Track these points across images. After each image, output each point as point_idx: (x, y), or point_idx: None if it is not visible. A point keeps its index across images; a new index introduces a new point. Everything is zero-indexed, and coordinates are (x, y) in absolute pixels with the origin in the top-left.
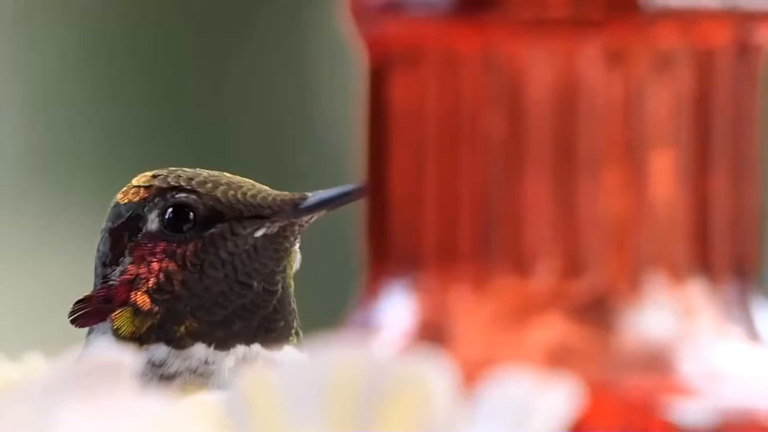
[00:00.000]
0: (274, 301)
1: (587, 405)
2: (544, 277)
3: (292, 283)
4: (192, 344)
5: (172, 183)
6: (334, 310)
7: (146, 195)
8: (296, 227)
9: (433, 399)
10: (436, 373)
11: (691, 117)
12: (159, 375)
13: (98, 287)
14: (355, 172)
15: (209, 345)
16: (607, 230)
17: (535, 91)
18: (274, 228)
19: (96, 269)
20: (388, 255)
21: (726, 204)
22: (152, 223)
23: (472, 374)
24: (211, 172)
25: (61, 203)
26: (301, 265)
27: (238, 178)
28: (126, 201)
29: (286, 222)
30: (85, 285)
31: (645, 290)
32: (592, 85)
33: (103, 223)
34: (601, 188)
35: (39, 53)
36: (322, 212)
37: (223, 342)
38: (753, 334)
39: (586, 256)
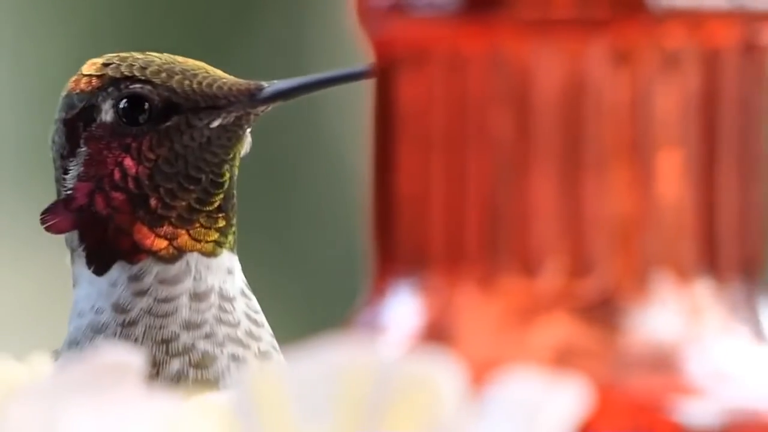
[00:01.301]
0: (221, 196)
1: (594, 405)
2: (550, 277)
3: (236, 171)
4: (139, 253)
5: (125, 72)
6: (341, 309)
7: (99, 84)
8: (251, 116)
9: (441, 399)
10: (443, 373)
11: (698, 116)
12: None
13: (62, 193)
14: (355, 169)
15: (156, 259)
16: (614, 230)
17: (542, 91)
18: (230, 118)
19: (55, 162)
20: (394, 255)
21: (733, 204)
22: (106, 113)
23: (479, 374)
24: (164, 58)
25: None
26: (307, 263)
27: (192, 62)
28: (78, 91)
29: (242, 112)
30: None
31: (652, 290)
32: (599, 85)
33: (56, 114)
34: (607, 188)
35: (39, 53)
36: (278, 102)
37: (170, 256)
38: (759, 334)
39: (592, 256)
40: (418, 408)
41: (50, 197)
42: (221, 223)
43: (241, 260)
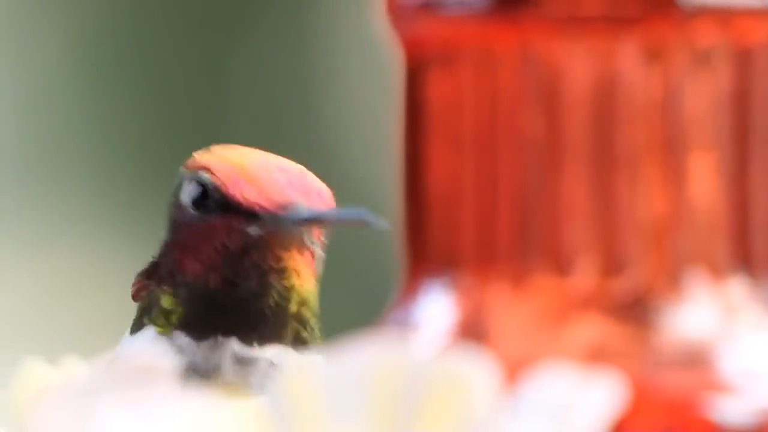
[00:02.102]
0: (263, 303)
1: (627, 403)
2: (583, 276)
3: (304, 289)
4: (172, 331)
5: (207, 159)
6: (374, 309)
7: (192, 164)
8: (289, 233)
9: (474, 397)
10: (477, 371)
11: (730, 114)
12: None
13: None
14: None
15: (188, 334)
16: (647, 229)
17: (573, 89)
18: (264, 230)
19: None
20: (426, 254)
21: (765, 201)
22: (184, 194)
23: (512, 373)
24: (250, 158)
25: (60, 203)
26: (340, 264)
27: (288, 165)
28: (182, 168)
29: (274, 228)
30: (84, 285)
31: (685, 288)
32: (630, 83)
33: None
34: (640, 187)
35: (39, 53)
36: (311, 226)
37: (202, 333)
38: None
39: (625, 255)
40: (451, 406)
41: (50, 198)
42: (269, 327)
43: None
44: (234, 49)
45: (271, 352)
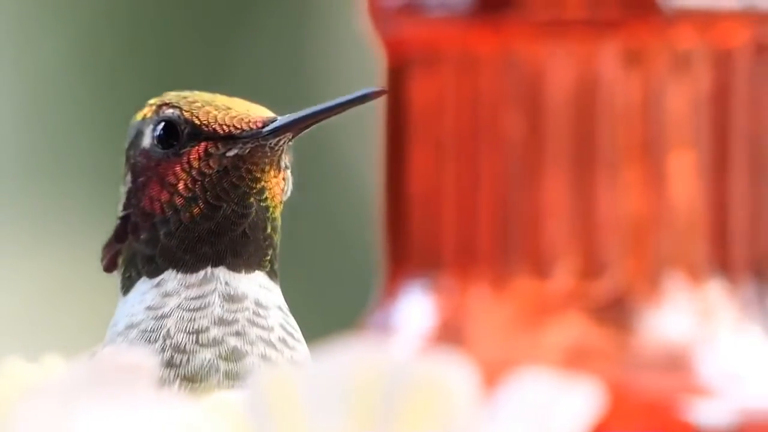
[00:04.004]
0: (245, 225)
1: (606, 405)
2: (562, 278)
3: (276, 212)
4: (162, 271)
5: (167, 99)
6: (353, 311)
7: (147, 112)
8: (267, 148)
9: (453, 399)
10: (456, 374)
11: (710, 117)
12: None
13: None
14: (366, 170)
15: (178, 270)
16: (626, 231)
17: (554, 91)
18: (245, 149)
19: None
20: (406, 256)
21: (744, 204)
22: (146, 138)
23: (491, 374)
24: (219, 100)
25: (59, 203)
26: (320, 265)
27: (237, 101)
28: (134, 120)
29: (255, 144)
30: (83, 285)
31: (664, 291)
32: (611, 86)
33: None
34: (619, 189)
35: (39, 53)
36: (291, 132)
37: (191, 266)
38: None
39: (604, 256)
40: (430, 408)
41: (50, 200)
42: (249, 248)
43: None
44: (232, 49)
45: (256, 283)
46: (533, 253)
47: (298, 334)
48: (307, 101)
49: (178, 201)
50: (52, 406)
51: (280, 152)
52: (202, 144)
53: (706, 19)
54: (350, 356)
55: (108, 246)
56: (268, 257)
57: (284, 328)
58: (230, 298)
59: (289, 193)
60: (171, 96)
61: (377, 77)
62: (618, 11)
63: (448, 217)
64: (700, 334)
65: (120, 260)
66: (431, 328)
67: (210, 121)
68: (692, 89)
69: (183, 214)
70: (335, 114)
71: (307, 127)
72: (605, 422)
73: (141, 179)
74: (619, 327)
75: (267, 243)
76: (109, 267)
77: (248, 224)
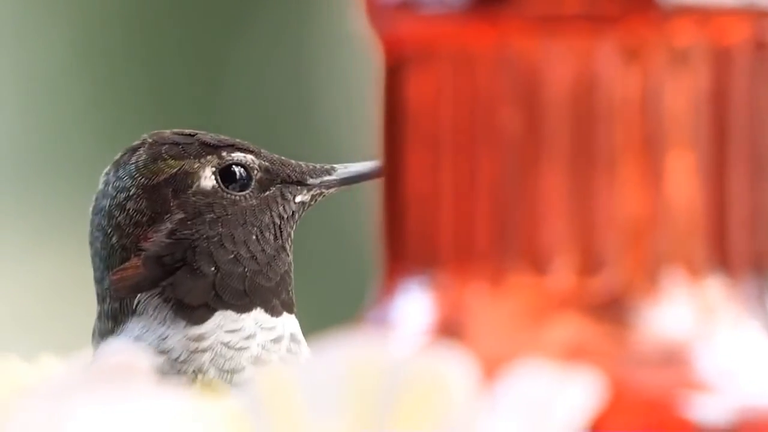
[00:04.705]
0: (287, 267)
1: (605, 401)
2: (561, 275)
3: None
4: (250, 310)
5: (226, 142)
6: (351, 307)
7: (189, 151)
8: (321, 197)
9: (451, 395)
10: (454, 370)
11: (709, 114)
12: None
13: (113, 260)
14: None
15: (266, 311)
16: (625, 228)
17: (551, 88)
18: (308, 196)
19: (112, 230)
20: (404, 252)
21: (743, 200)
22: (206, 179)
23: (489, 371)
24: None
25: (59, 204)
26: (318, 262)
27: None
28: (167, 159)
29: (318, 191)
30: (83, 285)
31: (662, 287)
32: (609, 82)
33: (115, 184)
34: (618, 186)
35: (38, 54)
36: (347, 185)
37: (275, 309)
38: None
39: (603, 253)
40: (428, 404)
41: (49, 201)
42: (290, 285)
43: None
44: (232, 48)
45: (289, 324)
46: (531, 250)
47: None
48: (306, 101)
49: (263, 244)
50: (47, 405)
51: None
52: (278, 188)
53: (705, 15)
54: (349, 352)
55: (132, 274)
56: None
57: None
58: (273, 341)
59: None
60: (210, 136)
61: (374, 76)
62: (616, 7)
63: (445, 213)
64: (699, 330)
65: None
66: (429, 325)
67: (282, 164)
68: (691, 86)
69: (266, 254)
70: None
71: (367, 180)
72: (603, 419)
73: (209, 216)
74: (618, 324)
75: (291, 282)
76: (129, 293)
77: (290, 269)
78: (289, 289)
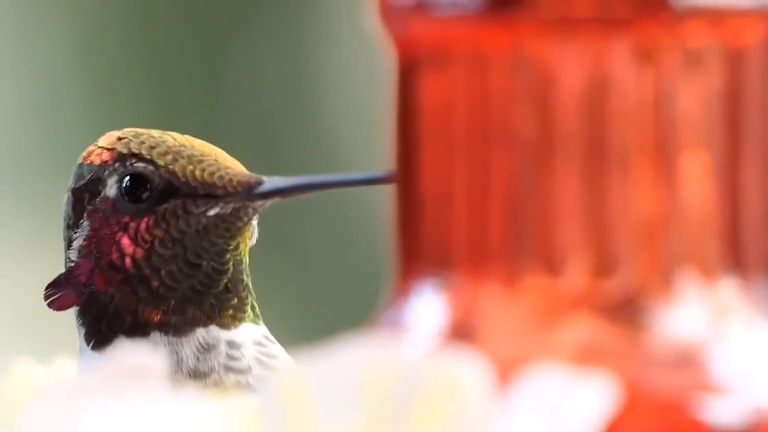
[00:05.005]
0: (225, 280)
1: (619, 403)
2: (574, 276)
3: (246, 259)
4: (149, 333)
5: (133, 150)
6: (365, 309)
7: (107, 158)
8: (250, 209)
9: (465, 398)
10: (468, 372)
11: (722, 115)
12: None
13: (66, 265)
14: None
15: (166, 333)
16: (638, 229)
17: (565, 89)
18: (227, 209)
19: (63, 231)
20: (418, 254)
21: (757, 201)
22: (110, 188)
23: (503, 373)
24: (179, 140)
25: (58, 204)
26: (331, 265)
27: (206, 148)
28: (89, 162)
29: (239, 204)
30: None
31: (676, 289)
32: (622, 84)
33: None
34: (631, 187)
35: (37, 54)
36: (276, 199)
37: (180, 328)
38: None
39: (616, 254)
40: (442, 407)
41: (49, 201)
42: (234, 301)
43: (264, 265)
44: (232, 48)
45: (247, 333)
46: (545, 252)
47: (279, 362)
48: (306, 101)
49: (155, 259)
50: (62, 407)
51: (258, 211)
52: (180, 201)
53: (718, 16)
54: (362, 355)
55: (56, 286)
56: (250, 304)
57: (261, 363)
58: (205, 349)
59: (254, 241)
60: (134, 143)
61: (378, 76)
62: (629, 9)
63: (459, 215)
64: (713, 332)
65: (79, 306)
66: (443, 327)
67: (188, 177)
68: (704, 87)
69: (162, 272)
70: (329, 188)
71: (296, 194)
72: (618, 420)
73: (106, 231)
74: (632, 325)
75: (246, 293)
76: (61, 308)
77: (228, 279)
78: (204, 299)
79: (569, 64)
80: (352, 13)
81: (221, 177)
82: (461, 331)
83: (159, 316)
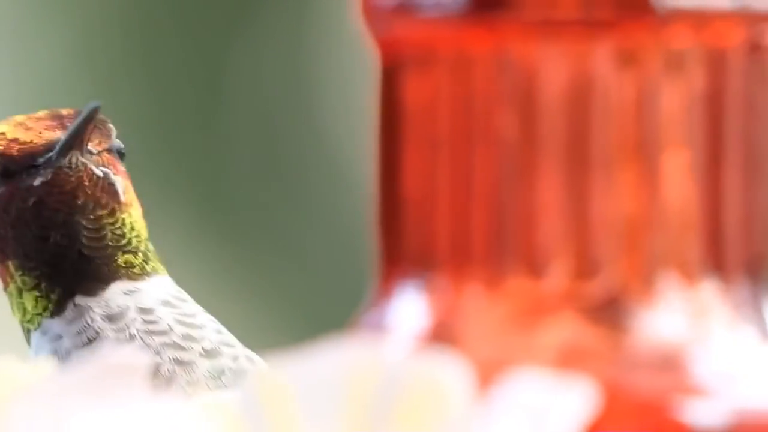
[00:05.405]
0: (78, 248)
1: (600, 405)
2: (556, 278)
3: (119, 216)
4: (37, 318)
5: None
6: (347, 311)
7: None
8: (66, 168)
9: (448, 399)
10: (450, 374)
11: (704, 117)
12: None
13: None
14: (359, 170)
15: (50, 314)
16: (620, 231)
17: (548, 91)
18: (48, 174)
19: None
20: (400, 256)
21: (738, 204)
22: None
23: (485, 375)
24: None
25: None
26: (313, 265)
27: (20, 119)
28: None
29: (58, 165)
30: None
31: (658, 291)
32: (605, 86)
33: None
34: (613, 189)
35: (39, 53)
36: (76, 149)
37: (57, 305)
38: (766, 334)
39: (598, 256)
40: (424, 408)
41: None
42: (120, 260)
43: (246, 262)
44: (232, 48)
45: (120, 291)
46: (527, 253)
47: (200, 319)
48: (306, 101)
49: (13, 243)
50: (45, 405)
51: (85, 165)
52: (12, 180)
53: (701, 19)
54: (344, 356)
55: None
56: (118, 265)
57: (181, 322)
58: (112, 318)
59: (130, 189)
60: None
61: (372, 77)
62: (612, 11)
63: (441, 216)
64: (695, 334)
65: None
66: (425, 328)
67: (14, 155)
68: (686, 89)
69: (16, 254)
70: (89, 124)
71: (75, 140)
72: (599, 422)
73: None
74: (613, 327)
75: (115, 252)
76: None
77: (83, 244)
78: (87, 264)
79: (552, 66)
80: (349, 15)
81: (32, 146)
82: (443, 333)
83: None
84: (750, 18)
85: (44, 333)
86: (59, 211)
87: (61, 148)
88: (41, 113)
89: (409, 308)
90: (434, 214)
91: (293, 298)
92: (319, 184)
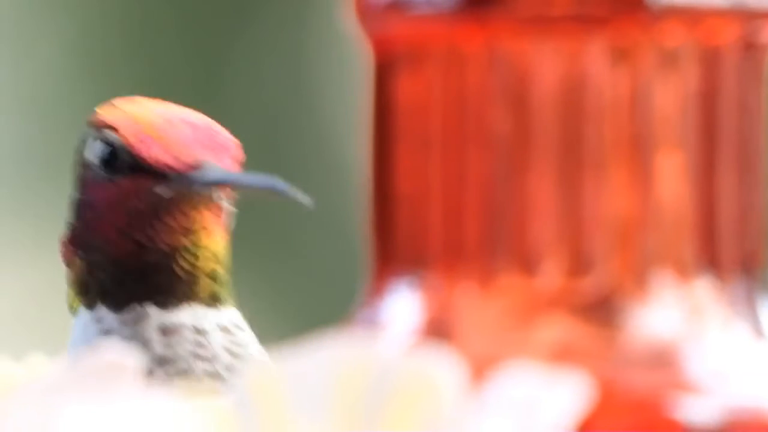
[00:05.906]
0: (171, 264)
1: (593, 402)
2: (550, 276)
3: (213, 247)
4: (95, 304)
5: (111, 119)
6: (340, 308)
7: (93, 123)
8: (204, 194)
9: (440, 396)
10: (442, 370)
11: (697, 115)
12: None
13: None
14: (355, 166)
15: (108, 306)
16: (613, 229)
17: (541, 88)
18: (170, 192)
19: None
20: (393, 253)
21: (732, 202)
22: (89, 151)
23: (478, 371)
24: (162, 114)
25: (58, 204)
26: (307, 263)
27: (195, 118)
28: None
29: (182, 188)
30: None
31: (651, 288)
32: (598, 83)
33: None
34: (607, 186)
35: (38, 54)
36: (217, 188)
37: (121, 303)
38: (759, 331)
39: (591, 254)
40: (417, 405)
41: (50, 201)
42: (189, 284)
43: (240, 260)
44: (232, 48)
45: (189, 313)
46: (520, 251)
47: (248, 350)
48: (306, 101)
49: (110, 233)
50: (36, 404)
51: (213, 192)
52: (136, 177)
53: (694, 16)
54: (337, 353)
55: (67, 242)
56: (200, 289)
57: (230, 351)
58: (167, 331)
59: (231, 224)
60: (117, 109)
61: (364, 75)
62: (605, 8)
63: (434, 214)
64: (688, 331)
65: (74, 267)
66: (418, 325)
67: (144, 153)
68: (680, 87)
69: (115, 247)
70: (265, 192)
71: (235, 189)
72: (592, 419)
73: (83, 193)
74: (607, 325)
75: (202, 278)
76: (69, 264)
77: (178, 263)
78: (172, 282)
79: (545, 63)
80: (342, 13)
81: (174, 156)
82: (436, 330)
83: (103, 284)
84: (744, 15)
85: (98, 321)
86: (174, 231)
87: (213, 182)
88: (171, 110)
89: (403, 305)
90: (427, 212)
91: (287, 295)
92: (314, 182)
